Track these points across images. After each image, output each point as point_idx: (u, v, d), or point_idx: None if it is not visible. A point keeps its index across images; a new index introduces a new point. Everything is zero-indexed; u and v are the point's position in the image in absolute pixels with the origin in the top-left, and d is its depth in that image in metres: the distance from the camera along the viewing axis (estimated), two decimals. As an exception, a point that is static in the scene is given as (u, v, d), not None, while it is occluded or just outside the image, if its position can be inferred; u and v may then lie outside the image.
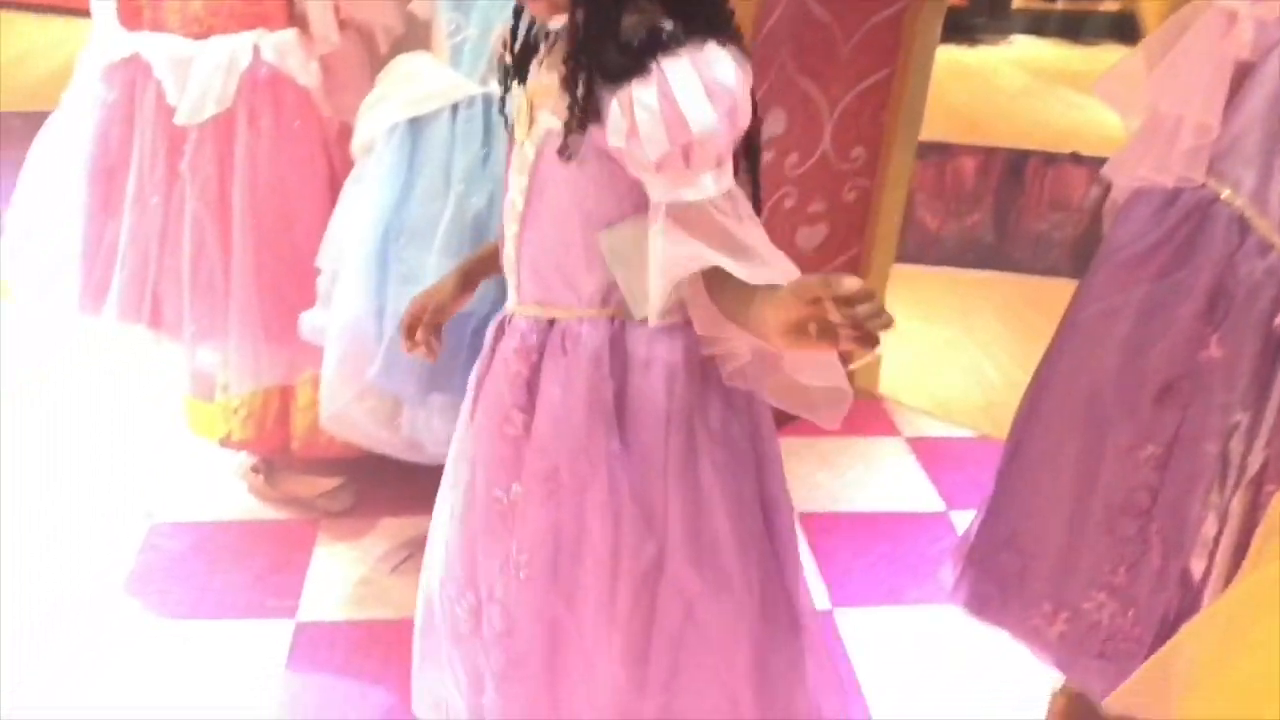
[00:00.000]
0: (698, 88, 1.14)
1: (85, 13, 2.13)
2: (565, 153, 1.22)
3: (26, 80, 5.18)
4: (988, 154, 5.16)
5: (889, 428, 2.80)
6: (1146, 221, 1.46)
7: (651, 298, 1.22)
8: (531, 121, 1.28)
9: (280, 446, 2.35)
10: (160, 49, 2.02)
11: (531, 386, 1.32)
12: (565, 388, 1.30)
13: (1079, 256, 4.18)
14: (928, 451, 2.70)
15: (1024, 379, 1.69)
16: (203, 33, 2.01)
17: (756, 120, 1.22)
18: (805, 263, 2.66)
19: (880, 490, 2.56)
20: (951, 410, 2.90)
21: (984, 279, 3.74)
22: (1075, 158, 5.03)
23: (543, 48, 1.30)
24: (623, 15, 1.19)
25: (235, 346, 2.12)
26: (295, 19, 2.04)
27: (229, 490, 2.43)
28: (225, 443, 2.40)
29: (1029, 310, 3.48)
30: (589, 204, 1.26)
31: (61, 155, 2.11)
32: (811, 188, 2.60)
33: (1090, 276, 1.58)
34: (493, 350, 1.40)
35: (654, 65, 1.15)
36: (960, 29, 6.29)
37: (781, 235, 2.61)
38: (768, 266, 1.16)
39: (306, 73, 2.03)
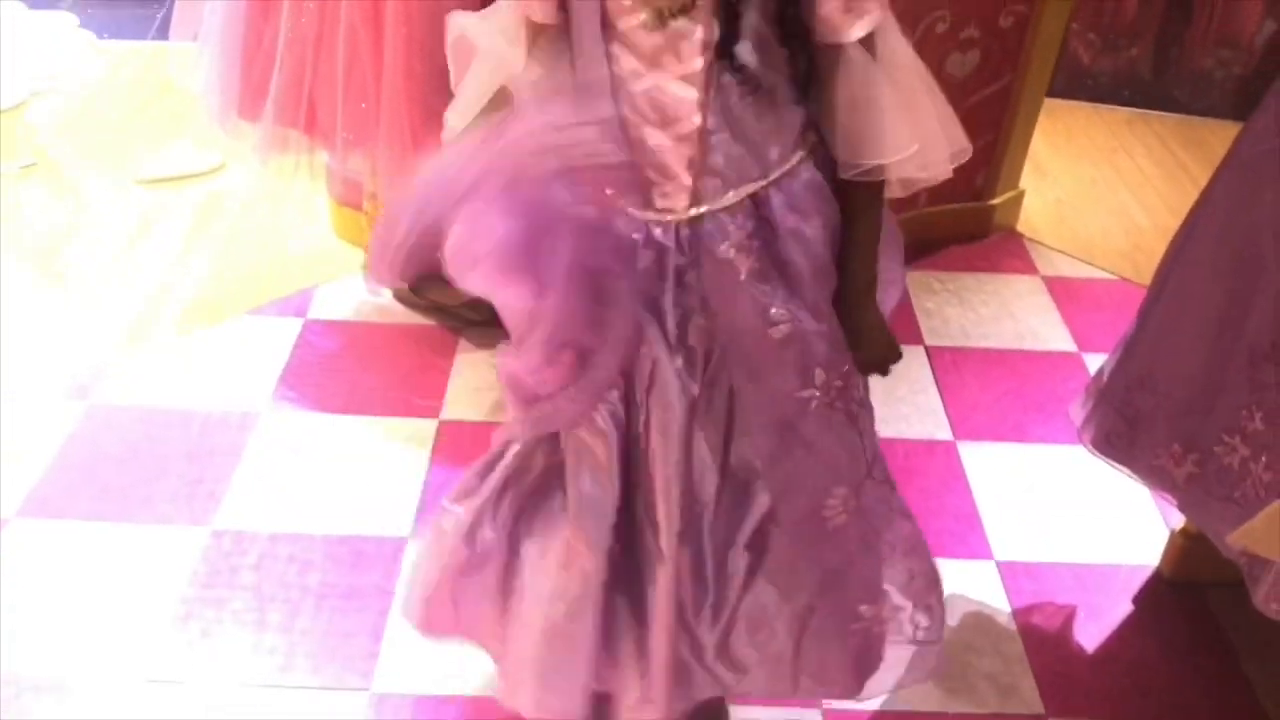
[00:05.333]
0: None
1: None
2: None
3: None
4: (1154, -18, 4.85)
5: (1027, 266, 2.76)
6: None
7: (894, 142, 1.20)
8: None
9: (425, 254, 2.44)
10: None
11: (769, 275, 1.24)
12: (809, 238, 1.24)
13: (1244, 97, 3.96)
14: (1065, 292, 2.66)
15: (1172, 223, 1.65)
16: None
17: None
18: (954, 90, 2.59)
19: (1013, 328, 2.54)
20: (1093, 252, 2.83)
21: (1138, 117, 3.57)
22: (1252, -12, 4.69)
23: None
24: None
25: (384, 154, 2.18)
26: None
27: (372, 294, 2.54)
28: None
29: (1184, 151, 3.34)
30: (773, 48, 1.17)
31: (222, -41, 2.16)
32: (967, 12, 2.50)
33: (1258, 115, 1.51)
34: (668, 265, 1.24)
35: None
36: None
37: (931, 61, 2.49)
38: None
39: (461, -121, 2.01)
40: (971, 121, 2.67)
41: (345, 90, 2.15)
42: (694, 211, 1.21)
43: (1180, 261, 1.59)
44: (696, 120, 1.17)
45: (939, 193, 2.77)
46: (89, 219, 2.76)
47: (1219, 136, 3.37)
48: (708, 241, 1.22)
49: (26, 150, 2.97)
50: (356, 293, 2.55)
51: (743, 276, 1.23)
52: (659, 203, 1.21)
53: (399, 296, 2.55)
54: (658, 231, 1.22)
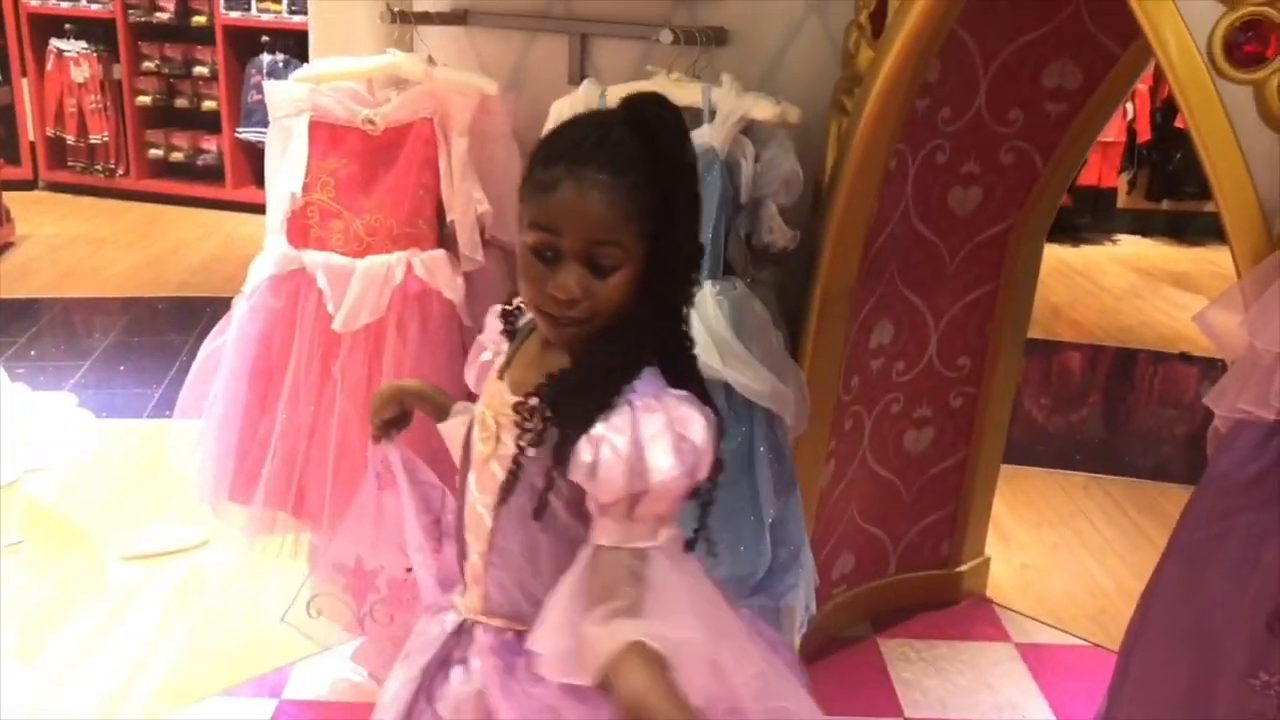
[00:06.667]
0: (667, 441, 1.17)
1: (232, 205, 2.37)
2: (545, 499, 1.24)
3: (178, 269, 5.61)
4: (1095, 351, 5.20)
5: (999, 633, 2.79)
6: (1249, 451, 1.51)
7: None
8: (498, 441, 1.29)
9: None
10: (323, 263, 2.24)
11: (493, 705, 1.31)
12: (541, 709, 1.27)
13: (1192, 454, 4.15)
14: (1039, 659, 2.68)
15: (1135, 586, 1.71)
16: (361, 251, 2.23)
17: (713, 471, 1.22)
18: (913, 464, 2.74)
19: (991, 699, 2.54)
20: (1062, 617, 2.88)
21: (1093, 481, 3.73)
22: (1185, 358, 5.03)
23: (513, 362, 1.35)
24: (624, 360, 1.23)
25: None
26: (444, 240, 2.25)
27: (352, 672, 2.52)
28: (349, 627, 2.51)
29: (1141, 516, 3.46)
30: (559, 526, 1.26)
31: (228, 354, 2.32)
32: (918, 393, 2.69)
33: (1195, 501, 1.62)
34: (447, 651, 1.39)
35: (630, 409, 1.19)
36: (1064, 228, 6.40)
37: (889, 438, 2.69)
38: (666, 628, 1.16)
39: (452, 287, 2.23)
40: (932, 492, 2.82)
41: (335, 474, 2.26)
42: (478, 616, 1.36)
43: (1140, 645, 1.64)
44: (482, 547, 1.33)
45: (907, 560, 2.85)
46: (69, 597, 2.77)
47: (1172, 500, 3.52)
48: (479, 645, 1.35)
49: (16, 528, 3.02)
50: (333, 669, 2.54)
51: (484, 687, 1.33)
52: (466, 599, 1.38)
53: (375, 676, 2.53)
54: (449, 618, 1.39)
